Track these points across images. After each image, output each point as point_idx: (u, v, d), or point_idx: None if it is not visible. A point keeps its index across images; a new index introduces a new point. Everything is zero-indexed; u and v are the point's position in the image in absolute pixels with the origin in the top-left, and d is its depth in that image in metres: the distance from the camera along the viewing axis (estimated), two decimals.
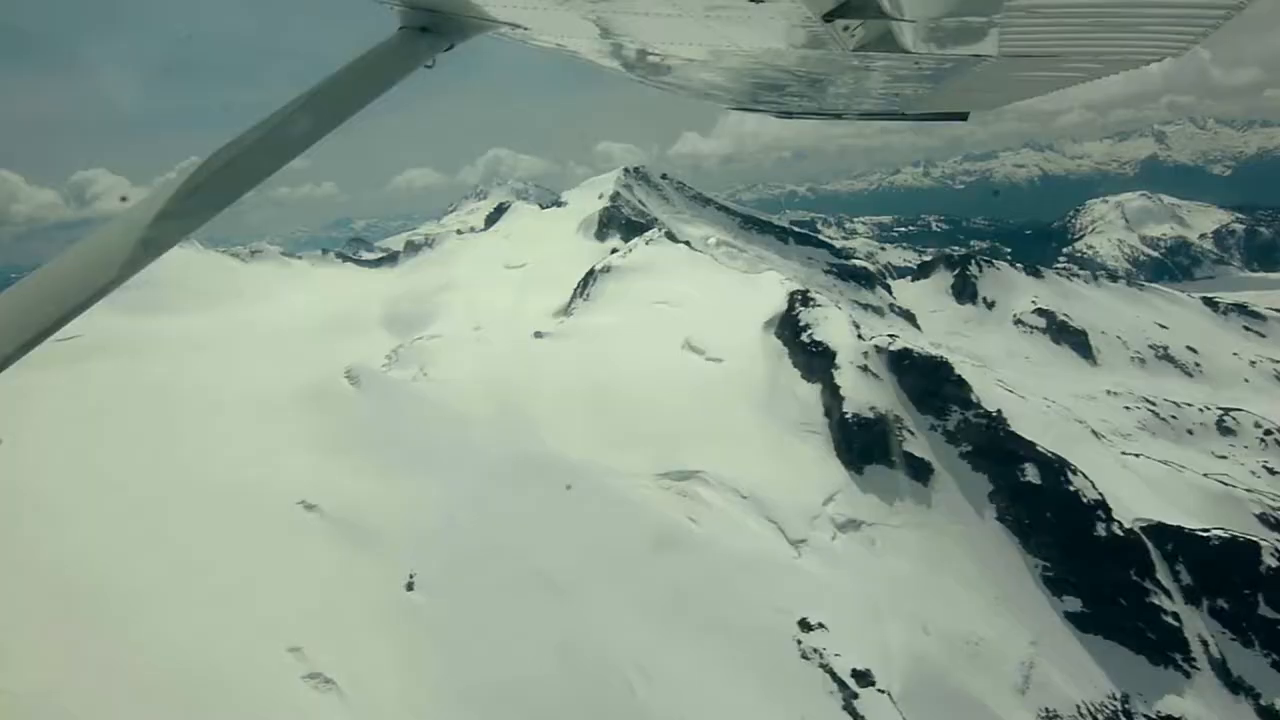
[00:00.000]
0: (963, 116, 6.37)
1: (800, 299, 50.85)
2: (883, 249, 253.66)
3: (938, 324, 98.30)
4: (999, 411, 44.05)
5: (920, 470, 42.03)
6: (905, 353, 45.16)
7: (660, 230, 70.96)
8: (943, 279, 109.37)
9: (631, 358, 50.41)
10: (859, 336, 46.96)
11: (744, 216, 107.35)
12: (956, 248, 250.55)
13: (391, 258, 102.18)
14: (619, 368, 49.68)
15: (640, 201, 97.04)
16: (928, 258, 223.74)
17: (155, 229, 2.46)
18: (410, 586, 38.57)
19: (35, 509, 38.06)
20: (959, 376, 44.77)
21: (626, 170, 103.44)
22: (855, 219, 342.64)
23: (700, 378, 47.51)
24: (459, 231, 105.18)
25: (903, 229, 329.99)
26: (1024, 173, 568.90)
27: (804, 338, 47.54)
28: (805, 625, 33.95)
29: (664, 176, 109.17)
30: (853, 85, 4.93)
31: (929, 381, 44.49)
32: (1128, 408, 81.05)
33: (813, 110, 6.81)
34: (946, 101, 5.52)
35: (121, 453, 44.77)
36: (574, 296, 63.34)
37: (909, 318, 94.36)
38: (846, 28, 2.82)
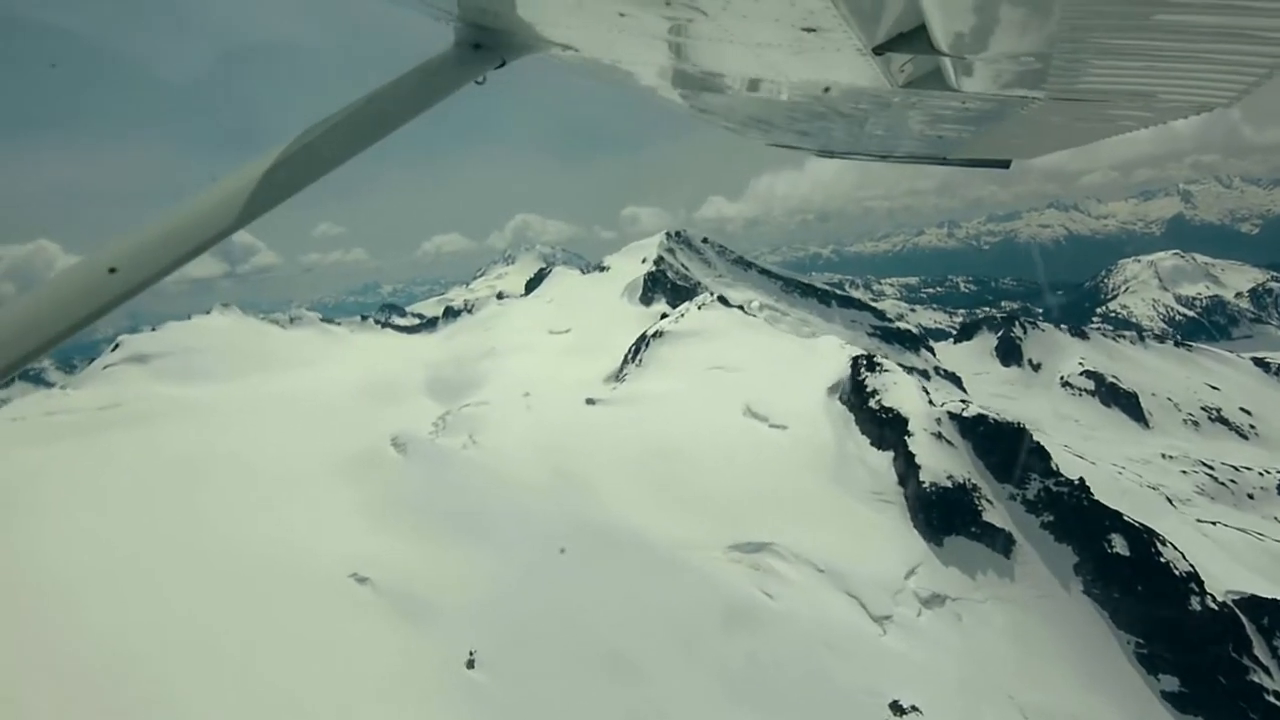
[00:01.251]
0: (1005, 164, 6.30)
1: (865, 364, 49.76)
2: (912, 310, 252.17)
3: (983, 386, 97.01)
4: (1081, 480, 42.47)
5: (1001, 541, 40.42)
6: (980, 419, 43.83)
7: (712, 295, 70.32)
8: (986, 341, 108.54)
9: (691, 425, 49.35)
10: (930, 402, 45.70)
11: (785, 280, 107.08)
12: (987, 309, 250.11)
13: (430, 323, 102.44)
14: (678, 435, 48.59)
15: (683, 265, 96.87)
16: (958, 318, 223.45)
17: (201, 226, 2.50)
18: (471, 664, 37.23)
19: (71, 583, 37.34)
20: (1038, 444, 43.32)
21: (669, 234, 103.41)
22: (882, 280, 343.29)
23: (764, 445, 46.32)
24: (499, 297, 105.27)
25: (930, 290, 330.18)
26: (1049, 233, 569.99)
27: (872, 404, 46.32)
28: (898, 709, 32.20)
29: (705, 240, 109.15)
30: (897, 125, 4.93)
31: (1006, 449, 43.05)
32: (1185, 472, 79.17)
33: (854, 150, 6.80)
34: (990, 148, 5.51)
35: (161, 523, 44.06)
36: (625, 362, 62.59)
37: (955, 380, 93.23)
38: (896, 63, 2.87)
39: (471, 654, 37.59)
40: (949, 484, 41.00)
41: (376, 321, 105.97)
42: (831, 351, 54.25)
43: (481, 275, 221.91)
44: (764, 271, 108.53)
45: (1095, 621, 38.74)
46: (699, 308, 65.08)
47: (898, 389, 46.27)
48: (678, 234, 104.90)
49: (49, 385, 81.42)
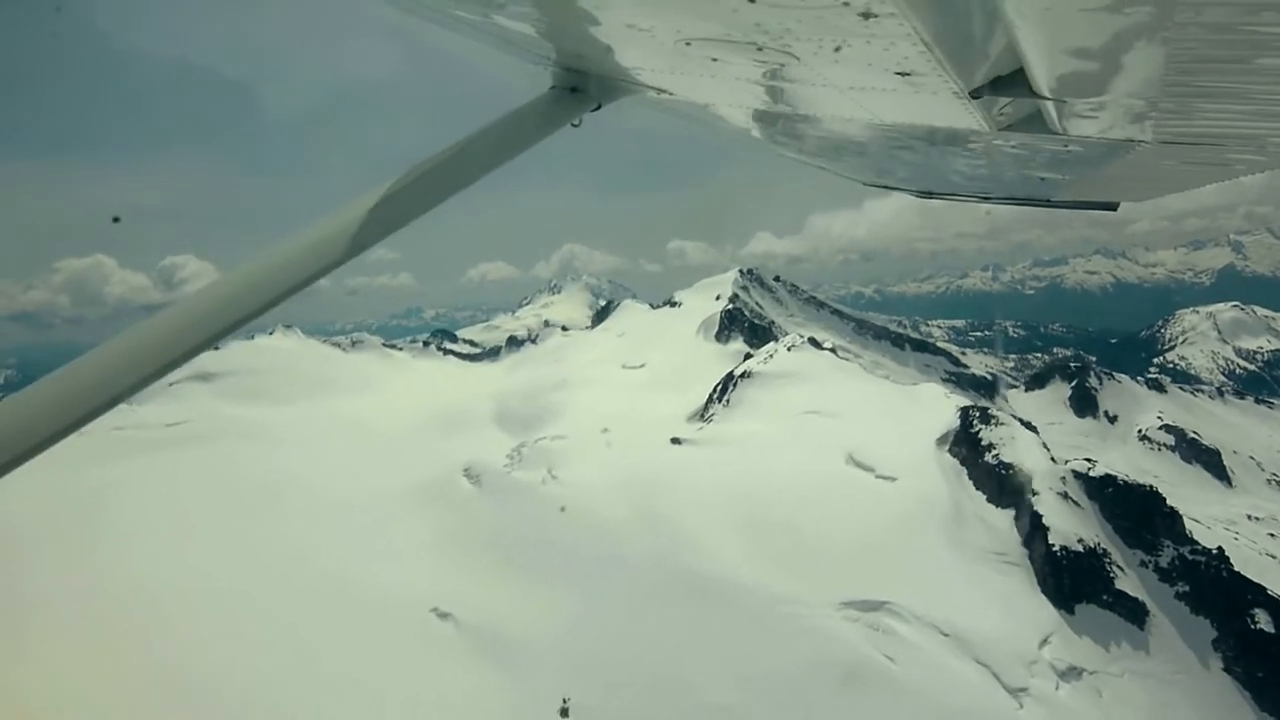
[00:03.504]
0: (1112, 207, 6.17)
1: (978, 416, 47.63)
2: (963, 353, 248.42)
3: (1058, 438, 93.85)
4: (1220, 549, 40.00)
5: (1134, 611, 38.08)
6: (1108, 479, 41.53)
7: (802, 336, 68.42)
8: (1059, 390, 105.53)
9: (788, 471, 47.46)
10: (1052, 459, 43.48)
11: (858, 321, 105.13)
12: (1039, 355, 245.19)
13: (493, 352, 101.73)
14: (776, 482, 46.70)
15: (757, 303, 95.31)
16: (1009, 363, 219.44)
17: (307, 261, 2.55)
18: (565, 713, 35.69)
19: (154, 597, 36.59)
20: (1171, 508, 40.93)
21: (741, 271, 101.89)
22: (929, 322, 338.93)
23: (872, 497, 44.28)
24: (563, 329, 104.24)
25: (978, 333, 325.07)
26: (1096, 280, 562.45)
27: (988, 458, 44.21)
28: None
29: (777, 278, 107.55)
30: (997, 167, 4.85)
31: (1136, 512, 40.72)
32: (1273, 535, 75.73)
33: (955, 191, 6.76)
34: (1095, 190, 5.46)
35: (237, 543, 43.19)
36: (710, 401, 60.92)
37: (1032, 430, 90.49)
38: (994, 106, 2.83)
39: (565, 702, 36.01)
40: (1079, 548, 38.75)
41: (437, 348, 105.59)
42: (935, 400, 52.24)
43: (528, 304, 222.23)
44: (836, 311, 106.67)
45: (1239, 704, 36.22)
46: (788, 349, 63.27)
47: (1016, 443, 44.15)
48: (750, 271, 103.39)
49: None
